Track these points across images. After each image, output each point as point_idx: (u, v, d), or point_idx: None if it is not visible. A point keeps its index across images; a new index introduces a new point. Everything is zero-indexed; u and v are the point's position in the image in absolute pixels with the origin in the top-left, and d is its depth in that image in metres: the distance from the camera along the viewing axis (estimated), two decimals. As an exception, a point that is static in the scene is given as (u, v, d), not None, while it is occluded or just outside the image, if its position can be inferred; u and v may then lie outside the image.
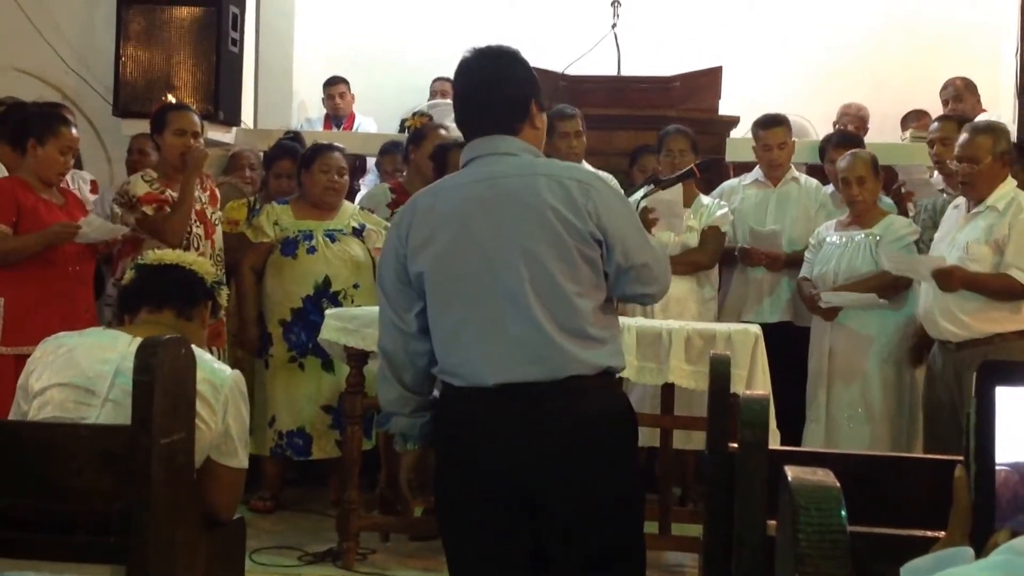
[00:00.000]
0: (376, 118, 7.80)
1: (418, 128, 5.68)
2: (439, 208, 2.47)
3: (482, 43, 2.52)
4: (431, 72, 7.89)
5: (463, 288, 2.41)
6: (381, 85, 7.97)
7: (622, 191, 2.89)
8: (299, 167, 5.21)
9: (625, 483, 2.46)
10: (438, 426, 2.53)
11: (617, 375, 2.52)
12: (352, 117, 7.82)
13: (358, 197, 5.82)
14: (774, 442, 3.79)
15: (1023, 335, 4.32)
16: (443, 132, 5.65)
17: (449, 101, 7.22)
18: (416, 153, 5.47)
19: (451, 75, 8.60)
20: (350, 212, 5.21)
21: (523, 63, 2.53)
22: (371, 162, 6.66)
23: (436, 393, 2.57)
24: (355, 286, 5.09)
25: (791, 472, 1.19)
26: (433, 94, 7.60)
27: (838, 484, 1.17)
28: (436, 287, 2.44)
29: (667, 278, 2.56)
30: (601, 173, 3.48)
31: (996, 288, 4.30)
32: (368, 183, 6.51)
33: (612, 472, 2.42)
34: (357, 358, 4.29)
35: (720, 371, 2.44)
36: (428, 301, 2.46)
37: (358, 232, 5.15)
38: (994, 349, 4.26)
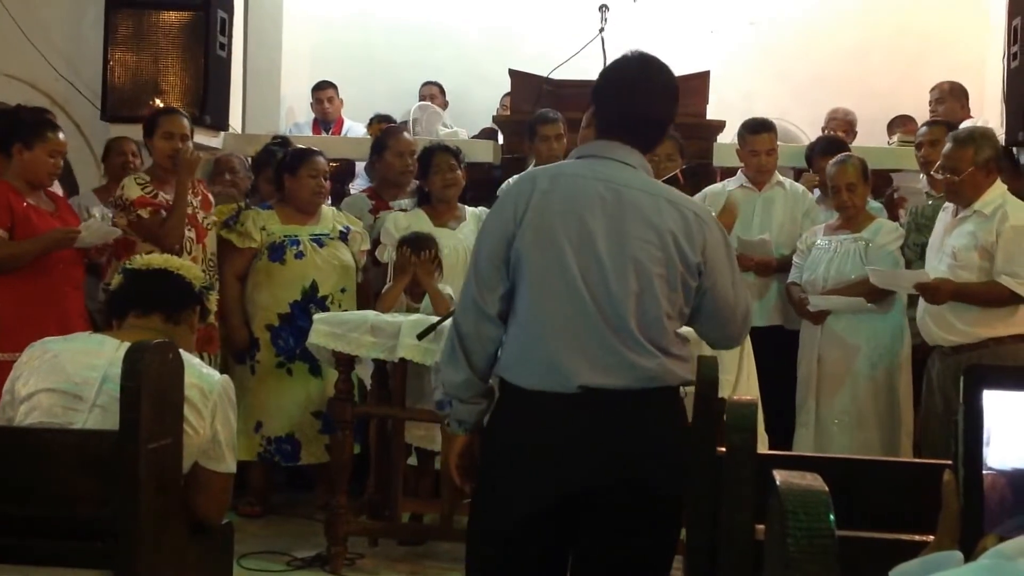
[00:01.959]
0: (364, 123, 7.79)
1: (378, 137, 5.70)
2: (558, 194, 2.43)
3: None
4: (420, 76, 7.90)
5: (564, 282, 2.37)
6: (370, 90, 7.96)
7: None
8: (281, 172, 5.20)
9: (681, 494, 2.45)
10: (497, 430, 2.46)
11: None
12: (340, 122, 7.80)
13: (343, 203, 5.82)
14: (762, 446, 3.80)
15: (1017, 339, 4.33)
16: (405, 135, 5.66)
17: (437, 107, 7.25)
18: (380, 160, 5.51)
19: (440, 80, 8.60)
20: (332, 216, 5.21)
21: (674, 84, 2.54)
22: (359, 167, 6.65)
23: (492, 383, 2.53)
24: (342, 290, 5.08)
25: (779, 476, 1.19)
26: (422, 98, 7.60)
27: (826, 488, 1.17)
28: (537, 275, 2.40)
29: (742, 331, 2.56)
30: None
31: (986, 296, 4.31)
32: (357, 187, 6.50)
33: (674, 482, 2.40)
34: (345, 363, 4.28)
35: (707, 375, 2.45)
36: (522, 285, 2.41)
37: (343, 236, 5.15)
38: (988, 353, 4.27)
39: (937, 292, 4.31)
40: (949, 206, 4.54)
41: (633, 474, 2.34)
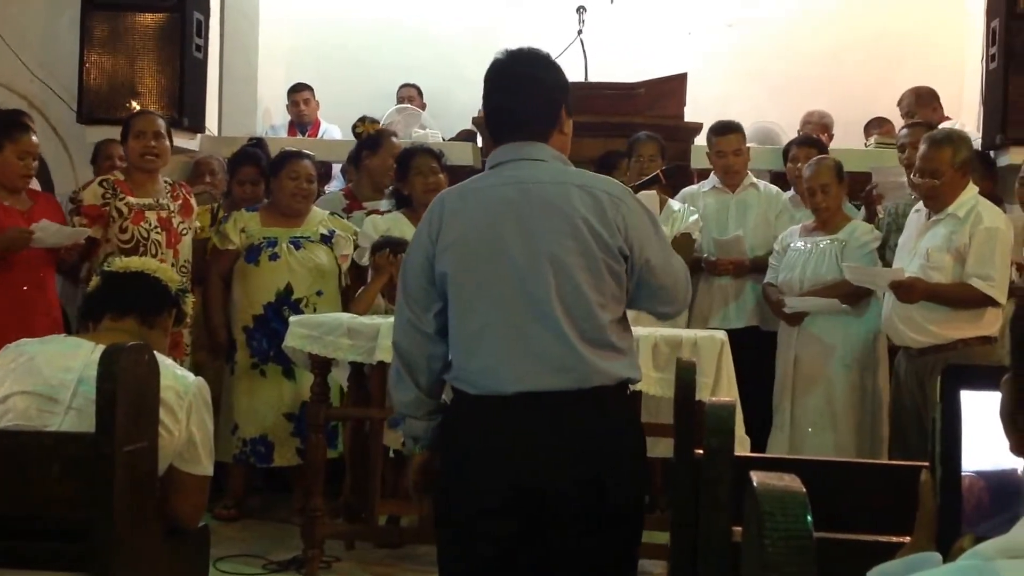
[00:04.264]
0: (341, 125, 7.77)
1: (372, 134, 5.67)
2: (468, 209, 2.44)
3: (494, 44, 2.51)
4: (397, 79, 7.88)
5: (488, 292, 2.39)
6: (347, 92, 7.93)
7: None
8: (267, 174, 5.19)
9: (638, 493, 2.46)
10: (449, 434, 2.48)
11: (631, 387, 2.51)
12: (317, 124, 7.79)
13: (318, 202, 5.81)
14: (743, 449, 3.81)
15: (985, 341, 4.35)
16: (394, 139, 5.65)
17: (416, 108, 7.24)
18: (371, 159, 5.48)
19: (418, 81, 8.60)
20: (319, 219, 5.19)
21: (555, 67, 2.53)
22: (336, 168, 6.63)
23: (445, 399, 2.55)
24: (318, 293, 5.07)
25: (757, 478, 1.19)
26: (400, 100, 7.58)
27: (804, 489, 1.17)
28: (460, 289, 2.42)
29: (686, 298, 2.57)
30: None
31: (957, 298, 4.33)
32: (333, 190, 6.49)
33: (628, 482, 2.41)
34: (321, 366, 4.27)
35: (686, 378, 2.45)
36: (450, 303, 2.43)
37: (327, 239, 5.14)
38: (956, 355, 4.29)
39: (911, 290, 4.33)
40: (921, 207, 4.56)
41: (582, 474, 2.34)
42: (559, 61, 2.59)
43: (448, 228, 2.44)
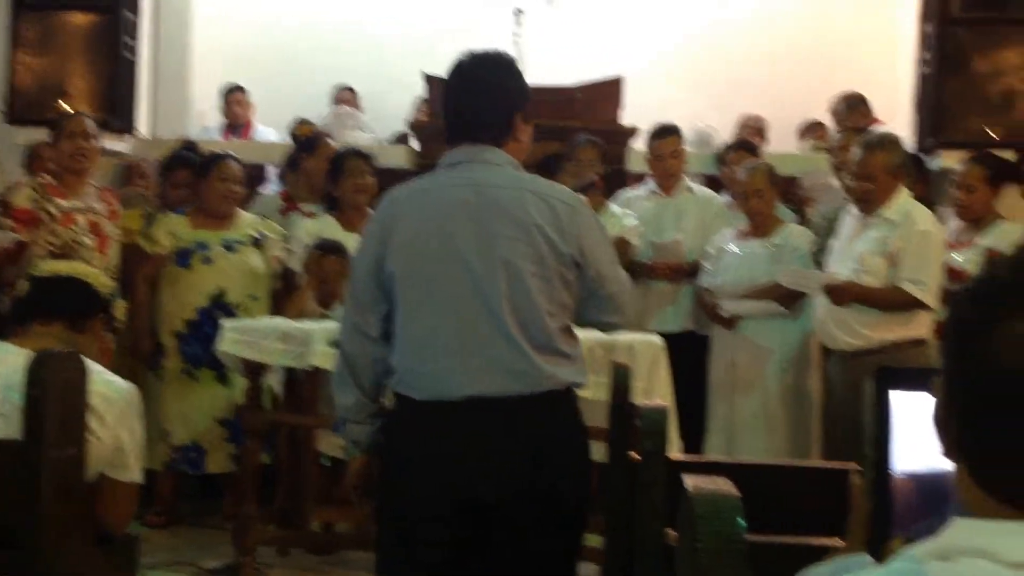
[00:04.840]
0: (276, 127, 7.69)
1: (309, 136, 5.63)
2: (421, 208, 2.43)
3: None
4: (332, 80, 7.82)
5: (439, 294, 2.37)
6: (281, 93, 7.85)
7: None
8: (195, 176, 5.12)
9: (584, 497, 2.46)
10: (392, 441, 2.46)
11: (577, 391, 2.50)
12: (250, 125, 7.70)
13: (254, 203, 5.75)
14: (675, 452, 3.83)
15: (916, 343, 4.41)
16: (330, 141, 5.62)
17: (352, 110, 7.19)
18: (308, 161, 5.44)
19: (352, 84, 8.57)
20: (248, 221, 5.14)
21: (515, 73, 2.52)
22: (271, 171, 6.56)
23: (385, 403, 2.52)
24: (252, 297, 5.01)
25: (690, 481, 1.19)
26: (335, 102, 7.53)
27: (736, 493, 1.18)
28: (409, 290, 2.39)
29: (630, 309, 2.59)
30: None
31: (888, 301, 4.38)
32: (269, 193, 6.41)
33: (577, 487, 2.41)
34: (255, 371, 4.22)
35: (621, 382, 2.46)
36: (398, 305, 2.41)
37: (257, 242, 5.08)
38: (887, 358, 4.34)
39: (843, 293, 4.38)
40: (854, 211, 4.62)
41: (526, 480, 2.33)
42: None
43: (399, 227, 2.41)
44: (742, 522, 1.15)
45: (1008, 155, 5.27)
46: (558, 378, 2.36)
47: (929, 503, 1.35)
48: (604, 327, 2.64)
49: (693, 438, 4.80)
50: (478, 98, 2.47)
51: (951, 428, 1.03)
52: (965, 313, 1.01)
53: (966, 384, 1.00)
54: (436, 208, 2.41)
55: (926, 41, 6.20)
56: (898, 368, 1.37)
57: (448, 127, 2.52)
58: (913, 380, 1.36)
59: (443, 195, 2.43)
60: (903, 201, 4.44)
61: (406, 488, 2.39)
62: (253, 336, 4.12)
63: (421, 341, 2.38)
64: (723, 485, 1.17)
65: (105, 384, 2.59)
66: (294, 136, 5.70)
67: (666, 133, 5.48)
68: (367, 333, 2.44)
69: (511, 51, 6.50)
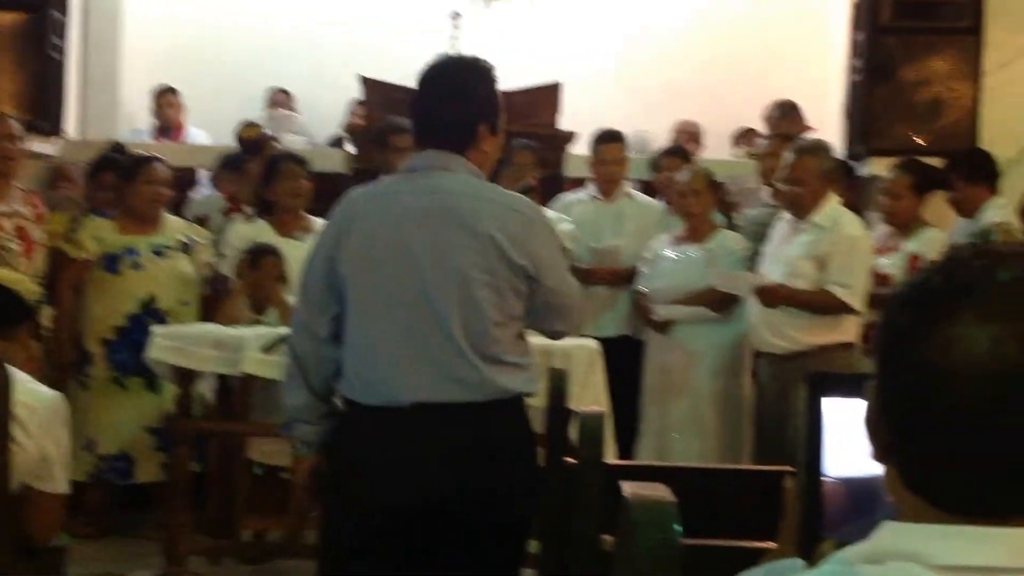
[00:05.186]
0: (208, 129, 7.60)
1: (255, 139, 5.58)
2: (378, 212, 2.42)
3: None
4: (266, 83, 7.75)
5: (390, 299, 2.36)
6: (214, 95, 7.76)
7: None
8: (121, 179, 5.03)
9: (530, 504, 2.45)
10: (340, 447, 2.44)
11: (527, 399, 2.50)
12: (182, 128, 7.59)
13: (195, 202, 5.68)
14: (610, 456, 3.84)
15: (844, 347, 4.48)
16: (275, 144, 5.57)
17: (288, 112, 7.13)
18: (254, 164, 5.37)
19: (287, 86, 8.46)
20: (176, 226, 5.06)
21: (485, 82, 2.50)
22: (202, 174, 6.48)
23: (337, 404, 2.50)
24: (183, 303, 4.93)
25: (628, 488, 1.19)
26: (270, 104, 7.46)
27: (673, 499, 1.18)
28: (361, 294, 2.38)
29: (580, 317, 2.60)
30: None
31: (816, 304, 4.44)
32: (200, 196, 6.34)
33: (523, 495, 2.40)
34: (185, 378, 4.16)
35: (558, 387, 2.46)
36: (350, 308, 2.39)
37: (186, 247, 5.00)
38: (817, 361, 4.39)
39: (772, 295, 4.43)
40: (786, 216, 4.68)
41: (472, 486, 2.33)
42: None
43: (354, 230, 2.41)
44: (679, 528, 1.15)
45: (935, 162, 5.37)
46: (506, 387, 2.36)
47: (859, 506, 1.37)
48: (553, 335, 2.63)
49: (626, 441, 4.82)
50: (443, 104, 2.47)
51: (882, 432, 1.03)
52: (898, 317, 1.02)
53: (898, 388, 1.01)
54: (393, 213, 2.41)
55: (857, 49, 6.30)
56: (829, 374, 1.38)
57: (415, 131, 2.53)
58: (844, 386, 1.38)
59: (401, 200, 2.42)
60: (832, 207, 4.52)
61: (353, 493, 2.38)
62: (184, 343, 4.06)
63: (370, 346, 2.37)
64: (660, 491, 1.17)
65: (29, 393, 2.54)
66: (240, 139, 5.64)
67: (611, 139, 5.50)
68: (317, 333, 2.43)
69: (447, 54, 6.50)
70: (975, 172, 5.13)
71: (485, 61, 2.54)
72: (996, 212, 5.01)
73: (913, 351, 0.98)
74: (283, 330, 4.04)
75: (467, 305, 2.33)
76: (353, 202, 2.48)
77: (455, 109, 2.47)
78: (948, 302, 0.97)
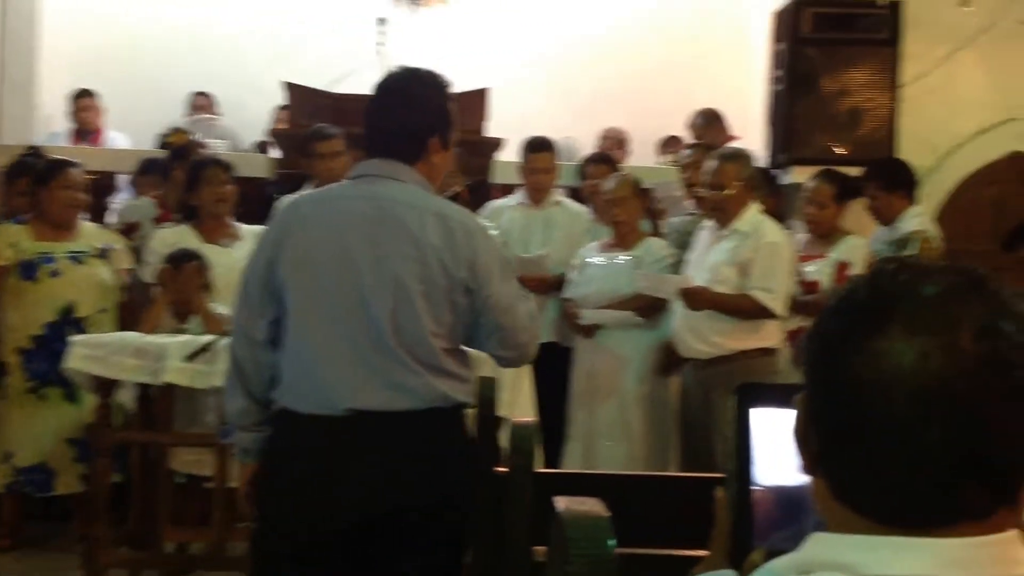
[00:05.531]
0: (128, 133, 7.47)
1: (183, 145, 5.51)
2: (320, 217, 2.41)
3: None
4: (187, 85, 7.64)
5: (328, 306, 2.34)
6: (133, 98, 7.63)
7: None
8: (34, 184, 4.91)
9: (467, 514, 2.44)
10: (274, 456, 2.42)
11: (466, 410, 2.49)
12: (100, 131, 7.45)
13: (114, 213, 5.57)
14: (537, 463, 3.84)
15: (766, 352, 4.54)
16: (201, 151, 5.50)
17: (211, 117, 7.04)
18: (182, 170, 5.30)
19: (210, 89, 8.36)
20: (92, 232, 4.96)
21: (439, 96, 2.51)
22: (122, 179, 6.36)
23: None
24: (102, 311, 4.84)
25: (561, 503, 1.19)
26: (192, 109, 7.36)
27: (607, 514, 1.18)
28: (300, 299, 2.36)
29: (529, 347, 2.52)
30: None
31: (738, 308, 4.49)
32: (120, 201, 6.22)
33: (461, 504, 2.39)
34: (105, 387, 4.08)
35: (487, 394, 2.45)
36: (288, 314, 2.38)
37: (104, 253, 4.91)
38: (739, 366, 4.45)
39: (697, 297, 4.48)
40: (709, 223, 4.73)
41: (406, 497, 2.32)
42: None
43: (295, 234, 2.40)
44: (612, 543, 1.15)
45: (854, 171, 5.46)
46: (444, 395, 2.36)
47: (788, 515, 1.39)
48: (495, 359, 2.58)
49: (553, 447, 4.84)
50: (394, 114, 2.47)
51: (811, 443, 1.04)
52: (827, 330, 1.03)
53: (827, 400, 1.02)
54: (335, 219, 2.40)
55: (778, 60, 6.39)
56: (758, 384, 1.40)
57: (367, 139, 2.52)
58: (772, 396, 1.39)
59: (343, 206, 2.42)
60: (753, 214, 4.59)
61: (286, 503, 2.35)
62: (104, 351, 3.98)
63: (307, 352, 2.36)
64: (594, 506, 1.17)
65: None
66: (166, 144, 5.56)
67: (541, 147, 5.51)
68: (254, 337, 2.42)
69: (374, 60, 6.52)
70: (893, 181, 5.23)
71: (442, 75, 2.56)
72: (914, 220, 5.12)
73: (842, 364, 0.99)
74: (206, 339, 3.99)
75: (403, 313, 2.33)
76: (296, 206, 2.48)
77: (407, 120, 2.47)
78: (876, 316, 0.98)
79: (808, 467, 1.06)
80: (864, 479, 0.99)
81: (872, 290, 1.01)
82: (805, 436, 1.05)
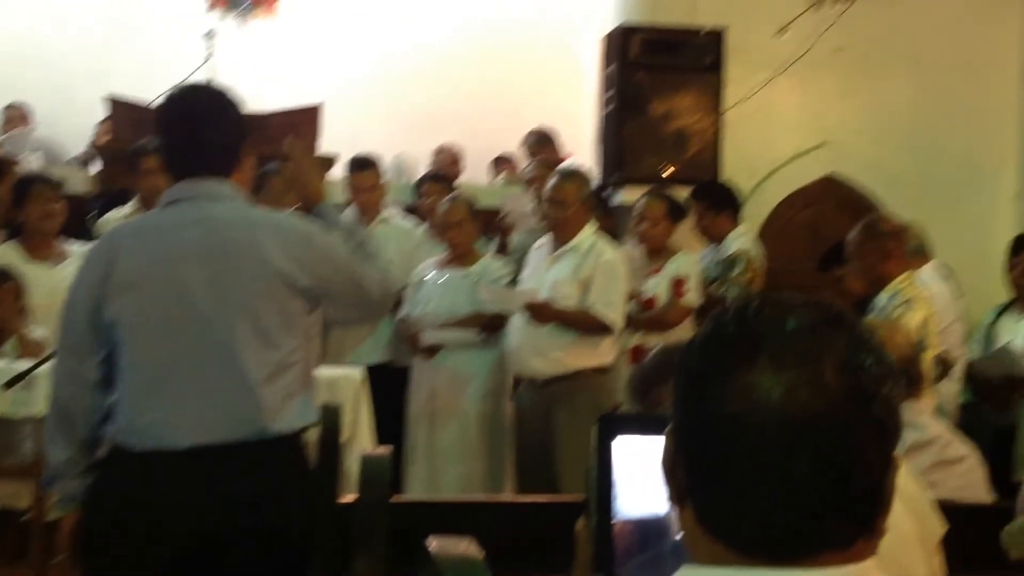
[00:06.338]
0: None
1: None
2: (145, 248, 2.29)
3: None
4: (3, 96, 7.27)
5: (167, 338, 2.25)
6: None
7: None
8: None
9: (308, 543, 2.37)
10: (104, 497, 2.29)
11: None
12: None
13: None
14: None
15: (599, 372, 4.61)
16: (16, 167, 5.25)
17: (25, 130, 6.70)
18: (4, 185, 5.04)
19: (24, 100, 7.98)
20: None
21: (235, 106, 2.43)
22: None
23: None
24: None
25: (435, 544, 1.17)
26: (5, 121, 7.01)
27: (481, 554, 1.16)
28: (135, 335, 2.25)
29: (380, 302, 2.52)
30: None
31: (580, 323, 4.56)
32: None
33: (300, 535, 2.32)
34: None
35: (331, 423, 2.40)
36: (123, 350, 2.26)
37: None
38: (578, 385, 4.52)
39: (543, 311, 4.52)
40: (544, 242, 4.78)
41: (248, 529, 2.26)
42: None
43: (122, 268, 2.28)
44: (488, 584, 1.14)
45: (682, 192, 5.60)
46: (290, 421, 2.30)
47: (646, 542, 1.40)
48: (351, 320, 2.62)
49: (394, 469, 4.77)
50: (203, 130, 2.39)
51: (680, 475, 1.05)
52: (695, 364, 1.04)
53: (695, 433, 1.03)
54: (163, 250, 2.30)
55: (608, 82, 6.51)
56: (619, 414, 1.41)
57: (168, 163, 2.43)
58: (632, 425, 1.41)
59: (170, 236, 2.32)
60: (590, 233, 4.68)
61: (120, 545, 2.25)
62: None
63: (146, 390, 2.26)
64: (468, 547, 1.15)
65: None
66: None
67: (364, 166, 5.43)
68: (85, 378, 2.31)
69: (202, 75, 6.33)
70: (718, 202, 5.41)
71: (223, 85, 2.52)
72: (739, 240, 5.30)
73: (710, 398, 1.00)
74: (23, 365, 3.80)
75: (251, 337, 2.26)
76: (115, 237, 2.37)
77: (219, 133, 2.40)
78: (744, 350, 1.00)
79: (676, 499, 1.06)
80: (732, 511, 1.00)
81: (739, 325, 1.02)
82: (673, 469, 1.06)
